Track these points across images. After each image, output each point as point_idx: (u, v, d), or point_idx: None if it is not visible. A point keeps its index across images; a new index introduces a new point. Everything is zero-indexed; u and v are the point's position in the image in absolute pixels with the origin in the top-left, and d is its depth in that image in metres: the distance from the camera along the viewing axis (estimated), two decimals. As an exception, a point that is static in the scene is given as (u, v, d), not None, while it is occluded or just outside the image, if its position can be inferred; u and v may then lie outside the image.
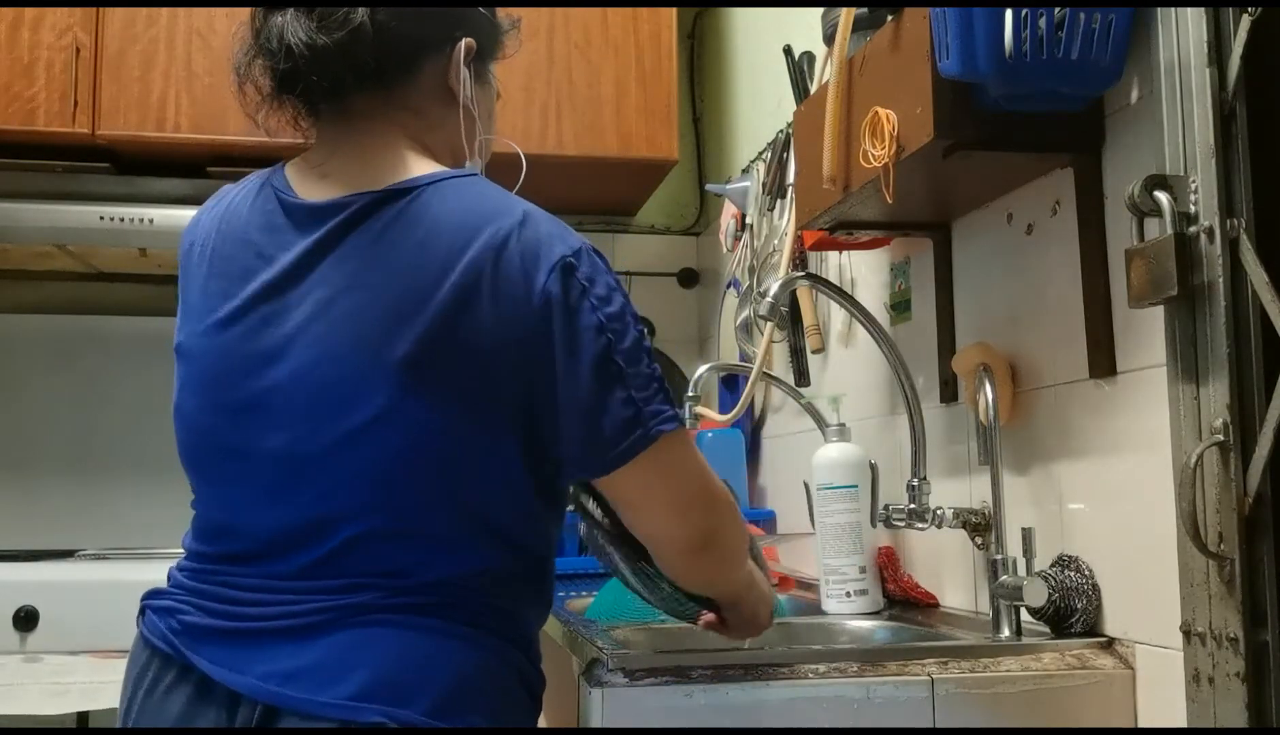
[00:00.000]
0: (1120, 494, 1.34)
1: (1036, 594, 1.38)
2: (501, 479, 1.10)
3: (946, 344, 1.70)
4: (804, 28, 2.21)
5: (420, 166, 1.16)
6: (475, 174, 1.18)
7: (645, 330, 1.13)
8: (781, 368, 2.35)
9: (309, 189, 1.17)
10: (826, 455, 1.77)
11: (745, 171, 2.53)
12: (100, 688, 2.19)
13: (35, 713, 1.97)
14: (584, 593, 1.95)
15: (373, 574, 1.07)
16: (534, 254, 1.07)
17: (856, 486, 1.74)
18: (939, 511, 1.57)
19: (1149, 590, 1.28)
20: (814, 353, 2.21)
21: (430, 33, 1.20)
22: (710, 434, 2.50)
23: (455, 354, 1.06)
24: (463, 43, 1.22)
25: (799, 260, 2.13)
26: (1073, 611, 1.37)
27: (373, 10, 1.14)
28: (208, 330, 1.15)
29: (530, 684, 1.16)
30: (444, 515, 1.09)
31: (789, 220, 2.12)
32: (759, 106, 2.67)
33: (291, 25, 1.14)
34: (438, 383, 1.06)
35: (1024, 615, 1.43)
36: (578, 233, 1.12)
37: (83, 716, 2.19)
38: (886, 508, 1.62)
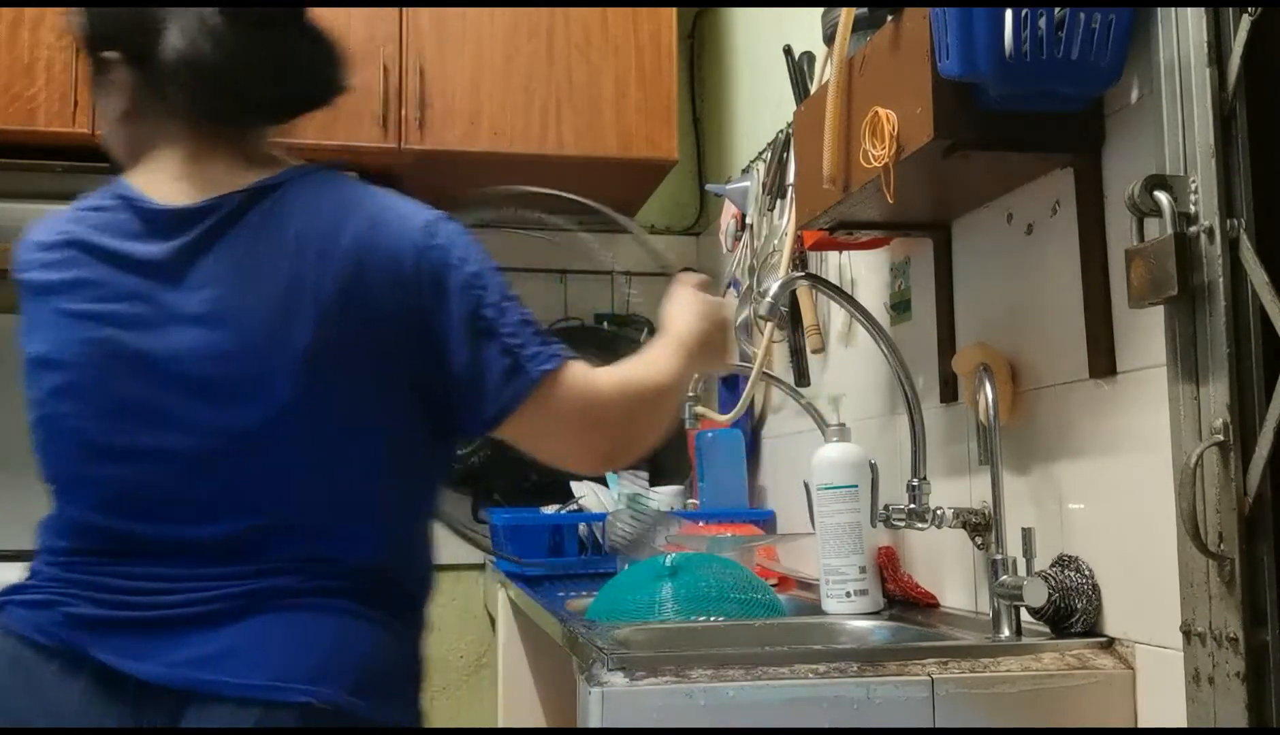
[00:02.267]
0: (1120, 494, 1.34)
1: (1036, 594, 1.38)
2: (410, 461, 1.16)
3: (946, 344, 1.70)
4: (804, 28, 2.21)
5: (264, 166, 1.21)
6: (330, 168, 1.24)
7: (508, 280, 1.19)
8: (781, 368, 2.35)
9: (168, 194, 1.19)
10: (826, 455, 1.77)
11: (745, 171, 2.53)
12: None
13: None
14: (584, 593, 1.95)
15: (283, 560, 1.09)
16: (398, 232, 1.14)
17: (856, 486, 1.74)
18: (939, 511, 1.57)
19: (1149, 590, 1.28)
20: (814, 353, 2.21)
21: None
22: (710, 434, 2.50)
23: (349, 340, 1.11)
24: None
25: (799, 260, 2.13)
26: (1073, 611, 1.37)
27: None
28: (84, 339, 1.16)
29: (421, 672, 1.19)
30: (353, 503, 1.12)
31: (789, 220, 2.12)
32: (759, 106, 2.67)
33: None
34: (337, 371, 1.11)
35: (1024, 615, 1.43)
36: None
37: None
38: (886, 508, 1.62)
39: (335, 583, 1.10)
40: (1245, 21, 1.14)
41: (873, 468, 1.71)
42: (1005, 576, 1.43)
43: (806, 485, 1.86)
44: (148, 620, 1.08)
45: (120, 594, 1.10)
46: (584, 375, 1.18)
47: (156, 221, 1.18)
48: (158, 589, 1.09)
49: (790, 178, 2.15)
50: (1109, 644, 1.34)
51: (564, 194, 1.68)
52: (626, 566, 1.96)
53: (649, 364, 1.26)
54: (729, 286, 2.62)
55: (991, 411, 1.48)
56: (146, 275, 1.16)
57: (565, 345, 1.18)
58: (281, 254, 1.13)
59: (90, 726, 1.07)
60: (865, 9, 1.49)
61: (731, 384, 2.65)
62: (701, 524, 2.21)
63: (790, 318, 2.26)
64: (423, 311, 1.13)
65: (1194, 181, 1.18)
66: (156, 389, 1.13)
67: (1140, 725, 1.29)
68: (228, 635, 1.07)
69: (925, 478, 1.60)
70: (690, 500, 2.58)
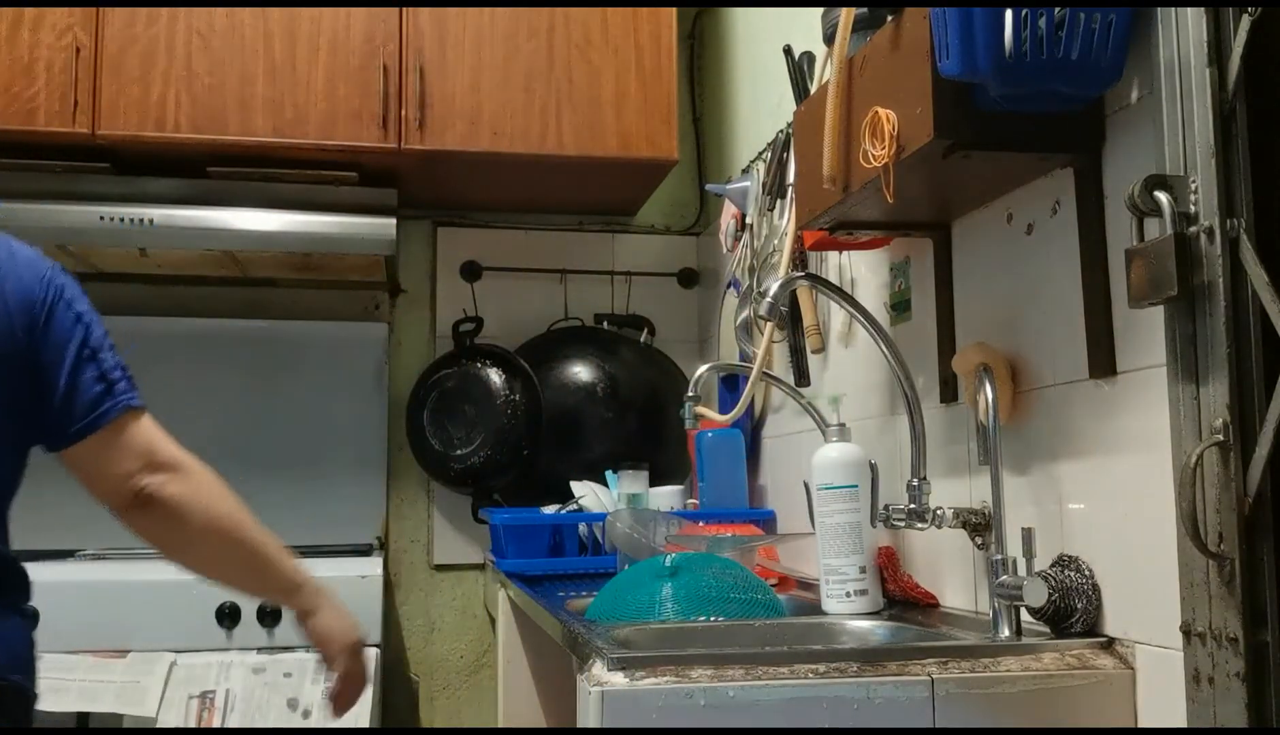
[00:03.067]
0: (1120, 494, 1.34)
1: (1036, 594, 1.38)
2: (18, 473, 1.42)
3: (946, 344, 1.70)
4: (804, 28, 2.21)
5: None
6: None
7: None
8: (781, 368, 2.35)
9: None
10: (826, 455, 1.77)
11: (745, 171, 2.53)
12: (100, 687, 2.19)
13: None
14: (584, 593, 1.95)
15: None
16: (22, 276, 1.36)
17: (856, 486, 1.74)
18: (939, 511, 1.57)
19: (1149, 590, 1.28)
20: (814, 353, 2.21)
21: None
22: (710, 434, 2.50)
23: None
24: None
25: (799, 260, 2.13)
26: (1073, 611, 1.37)
27: None
28: None
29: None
30: None
31: (789, 220, 2.12)
32: (759, 106, 2.67)
33: None
34: None
35: (1024, 615, 1.43)
36: None
37: (83, 717, 2.19)
38: (886, 508, 1.62)
39: None
40: (1245, 21, 1.14)
41: (873, 468, 1.71)
42: (1005, 576, 1.43)
43: (806, 485, 1.86)
44: None
45: None
46: (159, 430, 1.44)
47: None
48: None
49: (790, 178, 2.15)
50: (1109, 644, 1.34)
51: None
52: (626, 566, 1.96)
53: (252, 523, 1.49)
54: (729, 286, 2.62)
55: (991, 411, 1.48)
56: None
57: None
58: None
59: None
60: (865, 9, 1.49)
61: (731, 384, 2.65)
62: (701, 524, 2.21)
63: (790, 318, 2.26)
64: (41, 339, 1.35)
65: (1194, 181, 1.18)
66: None
67: (1140, 725, 1.29)
68: None
69: (925, 478, 1.60)
70: (690, 500, 2.58)
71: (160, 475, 1.41)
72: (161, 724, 2.19)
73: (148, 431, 1.43)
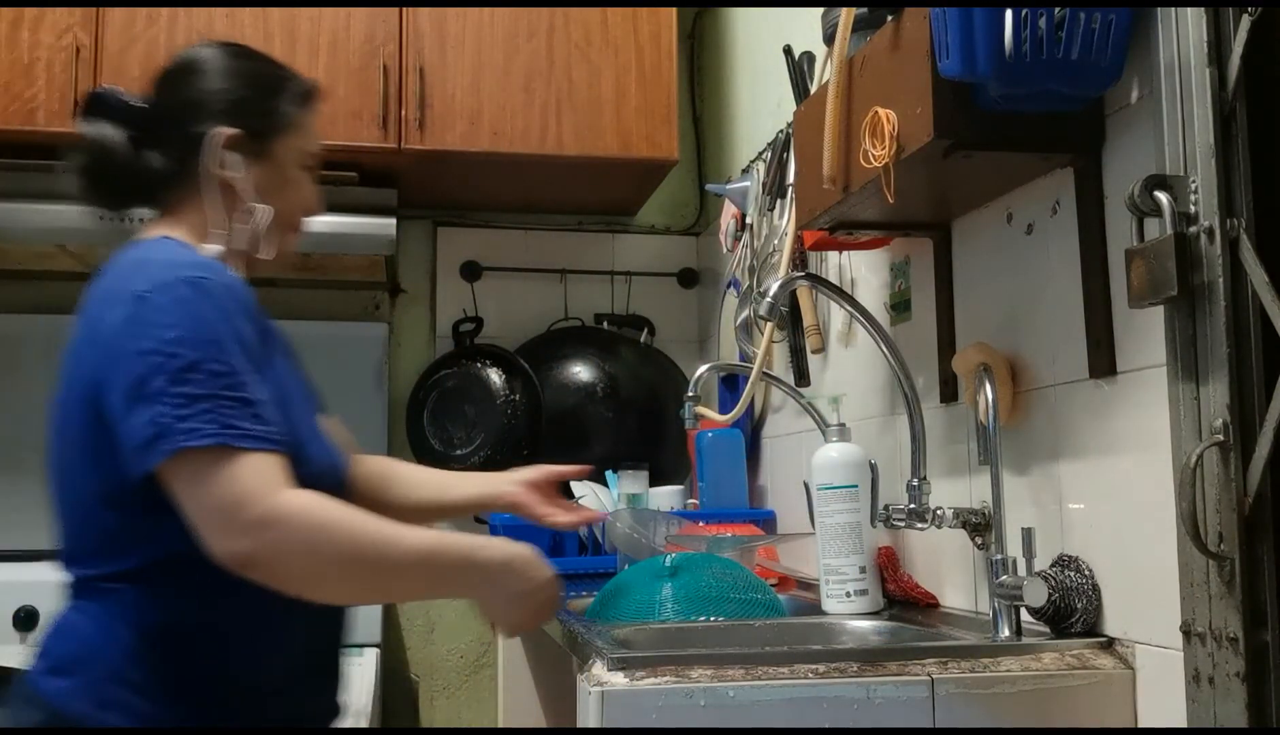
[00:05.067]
0: (1120, 494, 1.34)
1: (1036, 594, 1.37)
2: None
3: (946, 344, 1.70)
4: (804, 28, 2.21)
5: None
6: (158, 240, 1.38)
7: (204, 357, 1.22)
8: (781, 368, 2.35)
9: None
10: (826, 455, 1.77)
11: (745, 171, 2.53)
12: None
13: None
14: (584, 593, 1.95)
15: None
16: (111, 295, 1.28)
17: (856, 486, 1.74)
18: (939, 511, 1.57)
19: (1149, 590, 1.28)
20: (814, 353, 2.21)
21: (189, 135, 1.39)
22: (710, 434, 2.50)
23: (69, 389, 1.29)
24: (210, 135, 1.38)
25: (799, 260, 2.13)
26: (1073, 611, 1.37)
27: (128, 136, 1.40)
28: None
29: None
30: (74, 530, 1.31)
31: (789, 220, 2.12)
32: (759, 106, 2.67)
33: (73, 156, 1.42)
34: (62, 414, 1.31)
35: (1024, 615, 1.43)
36: (189, 267, 1.28)
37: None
38: (886, 508, 1.62)
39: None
40: (1245, 21, 1.14)
41: (873, 468, 1.71)
42: (1005, 576, 1.43)
43: (806, 485, 1.86)
44: None
45: None
46: (242, 473, 1.18)
47: None
48: None
49: (790, 178, 2.15)
50: (1109, 644, 1.34)
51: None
52: (626, 566, 1.96)
53: (390, 530, 1.24)
54: (729, 286, 2.62)
55: (991, 411, 1.48)
56: None
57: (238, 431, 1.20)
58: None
59: None
60: (865, 9, 1.49)
61: (731, 384, 2.65)
62: (701, 524, 2.21)
63: (790, 318, 2.26)
64: (111, 365, 1.23)
65: (1194, 181, 1.18)
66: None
67: (1140, 725, 1.29)
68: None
69: (925, 478, 1.60)
70: (690, 500, 2.58)
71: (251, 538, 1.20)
72: None
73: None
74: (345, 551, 1.22)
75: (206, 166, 1.39)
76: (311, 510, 1.19)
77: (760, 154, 2.45)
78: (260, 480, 1.17)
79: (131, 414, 1.18)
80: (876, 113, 1.38)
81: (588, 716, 1.22)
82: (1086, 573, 1.38)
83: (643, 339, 3.08)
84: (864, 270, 2.00)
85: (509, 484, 1.65)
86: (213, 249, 1.38)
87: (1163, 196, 1.18)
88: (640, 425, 2.93)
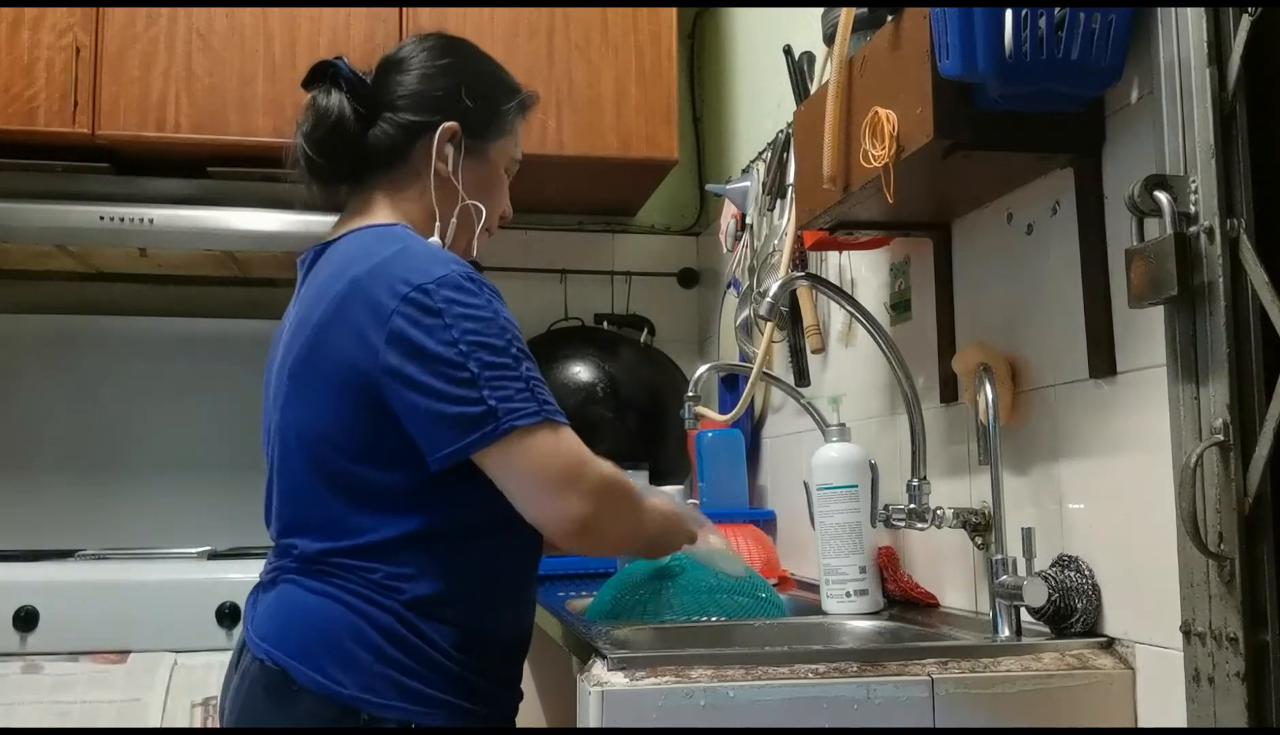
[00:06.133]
0: (1120, 494, 1.34)
1: (1036, 594, 1.38)
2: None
3: (946, 344, 1.70)
4: (804, 28, 2.21)
5: (375, 221, 1.41)
6: (392, 226, 1.38)
7: (512, 337, 1.28)
8: (781, 368, 2.35)
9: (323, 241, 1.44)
10: (826, 455, 1.77)
11: (745, 171, 2.53)
12: (99, 707, 2.19)
13: None
14: (584, 593, 1.95)
15: (293, 549, 1.33)
16: (387, 281, 1.27)
17: (856, 486, 1.74)
18: (939, 511, 1.57)
19: (1149, 590, 1.28)
20: (814, 353, 2.21)
21: (415, 122, 1.42)
22: (710, 434, 2.50)
23: (319, 366, 1.30)
24: (441, 128, 1.42)
25: (799, 260, 2.13)
26: (1073, 611, 1.37)
27: (355, 110, 1.40)
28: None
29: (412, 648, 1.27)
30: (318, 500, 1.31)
31: (789, 220, 2.12)
32: (759, 106, 2.67)
33: (300, 121, 1.43)
34: (306, 389, 1.31)
35: (1024, 615, 1.43)
36: (453, 260, 1.30)
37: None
38: (886, 508, 1.62)
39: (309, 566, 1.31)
40: (1245, 21, 1.14)
41: (873, 468, 1.71)
42: (1005, 576, 1.43)
43: (806, 485, 1.86)
44: (257, 586, 1.39)
45: (265, 565, 1.40)
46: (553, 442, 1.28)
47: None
48: (267, 563, 1.39)
49: (790, 178, 2.15)
50: (1109, 644, 1.34)
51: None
52: (626, 566, 1.96)
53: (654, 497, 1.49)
54: (729, 286, 2.62)
55: (991, 411, 1.48)
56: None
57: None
58: (308, 296, 1.37)
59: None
60: (865, 9, 1.49)
61: (731, 384, 2.65)
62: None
63: (790, 318, 2.26)
64: (395, 355, 1.24)
65: (1194, 181, 1.18)
66: (268, 404, 1.42)
67: (1140, 725, 1.29)
68: (263, 602, 1.34)
69: (925, 478, 1.60)
70: (690, 500, 2.58)
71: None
72: None
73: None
74: (643, 516, 1.41)
75: (432, 157, 1.42)
76: (622, 477, 1.35)
77: (760, 154, 2.45)
78: (585, 450, 1.30)
79: (445, 401, 1.23)
80: (876, 113, 1.38)
81: (588, 716, 1.22)
82: (1086, 573, 1.38)
83: (643, 339, 3.08)
84: (864, 270, 2.00)
85: None
86: (438, 241, 1.41)
87: (1163, 196, 1.18)
88: (640, 425, 2.92)
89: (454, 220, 1.44)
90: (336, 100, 1.40)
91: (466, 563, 1.30)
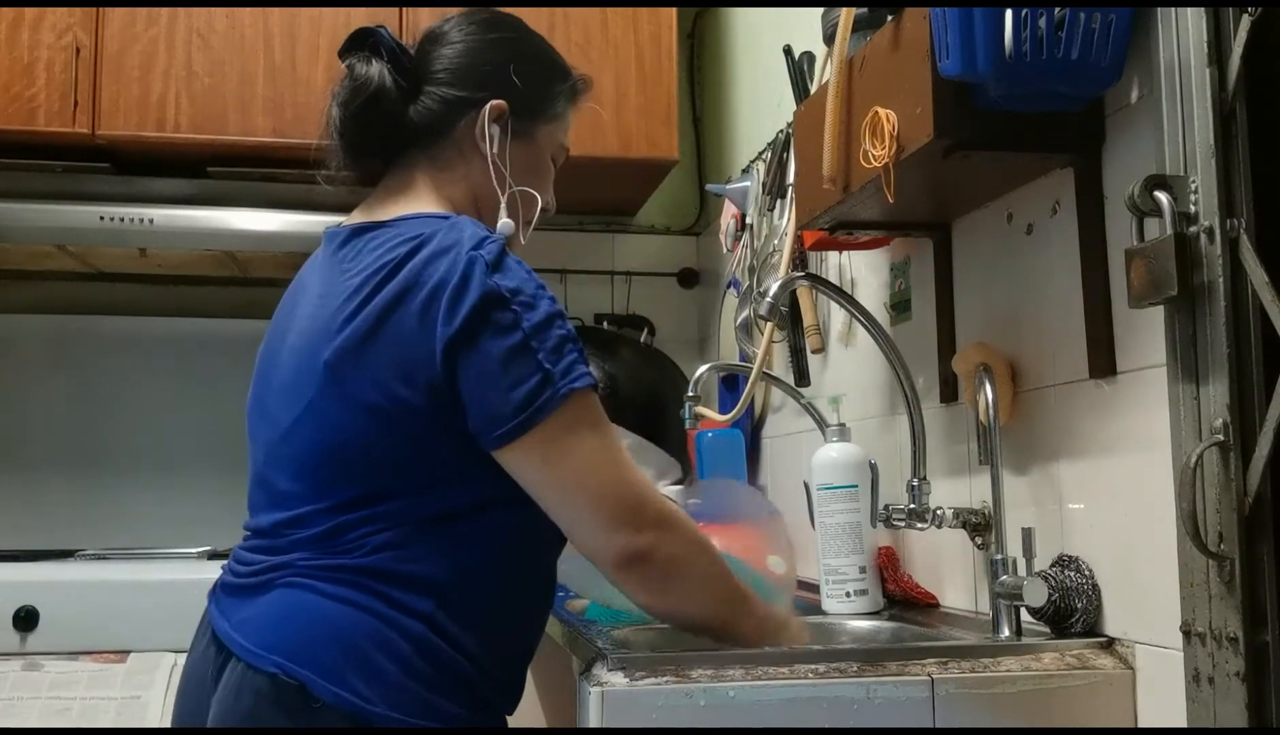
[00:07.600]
0: (1120, 494, 1.34)
1: (1036, 594, 1.38)
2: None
3: (946, 344, 1.70)
4: (804, 28, 2.21)
5: (421, 207, 1.30)
6: (443, 215, 1.27)
7: (558, 312, 1.27)
8: (781, 368, 2.35)
9: (350, 219, 1.33)
10: (826, 455, 1.77)
11: (745, 171, 2.53)
12: (100, 704, 2.19)
13: None
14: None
15: (296, 545, 1.22)
16: (435, 264, 1.19)
17: (856, 486, 1.74)
18: (939, 511, 1.57)
19: (1149, 590, 1.28)
20: (814, 353, 2.21)
21: (460, 97, 1.34)
22: (710, 434, 2.50)
23: (367, 355, 1.18)
24: (488, 106, 1.34)
25: (799, 260, 2.13)
26: (1073, 611, 1.37)
27: (396, 82, 1.32)
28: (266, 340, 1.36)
29: (435, 652, 1.19)
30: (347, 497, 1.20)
31: (789, 220, 2.12)
32: (759, 106, 2.67)
33: (337, 91, 1.34)
34: (350, 381, 1.19)
35: (1024, 615, 1.43)
36: (491, 238, 1.23)
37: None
38: (886, 508, 1.62)
39: (326, 567, 1.21)
40: (1245, 21, 1.14)
41: (873, 468, 1.71)
42: (1005, 576, 1.43)
43: (806, 485, 1.86)
44: (232, 586, 1.26)
45: (234, 563, 1.29)
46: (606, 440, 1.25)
47: (325, 240, 1.37)
48: (244, 558, 1.27)
49: (790, 178, 2.15)
50: (1109, 644, 1.34)
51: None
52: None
53: (724, 564, 1.33)
54: (729, 286, 2.62)
55: (991, 411, 1.48)
56: (297, 284, 1.38)
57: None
58: (343, 280, 1.26)
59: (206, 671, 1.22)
60: (865, 9, 1.49)
61: (731, 384, 2.65)
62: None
63: (790, 318, 2.25)
64: (451, 335, 1.18)
65: (1194, 181, 1.18)
66: (268, 391, 1.29)
67: (1140, 725, 1.29)
68: (256, 604, 1.21)
69: (925, 478, 1.60)
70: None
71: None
72: None
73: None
74: (711, 572, 1.30)
75: (476, 136, 1.33)
76: (691, 522, 1.27)
77: (760, 154, 2.45)
78: (647, 480, 1.24)
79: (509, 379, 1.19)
80: (876, 113, 1.38)
81: (588, 716, 1.22)
82: (1086, 573, 1.38)
83: (643, 339, 3.07)
84: (864, 270, 2.00)
85: None
86: (509, 224, 1.33)
87: (1163, 196, 1.18)
88: (640, 425, 2.92)
89: (503, 206, 1.34)
90: (377, 70, 1.31)
91: (494, 567, 1.25)
